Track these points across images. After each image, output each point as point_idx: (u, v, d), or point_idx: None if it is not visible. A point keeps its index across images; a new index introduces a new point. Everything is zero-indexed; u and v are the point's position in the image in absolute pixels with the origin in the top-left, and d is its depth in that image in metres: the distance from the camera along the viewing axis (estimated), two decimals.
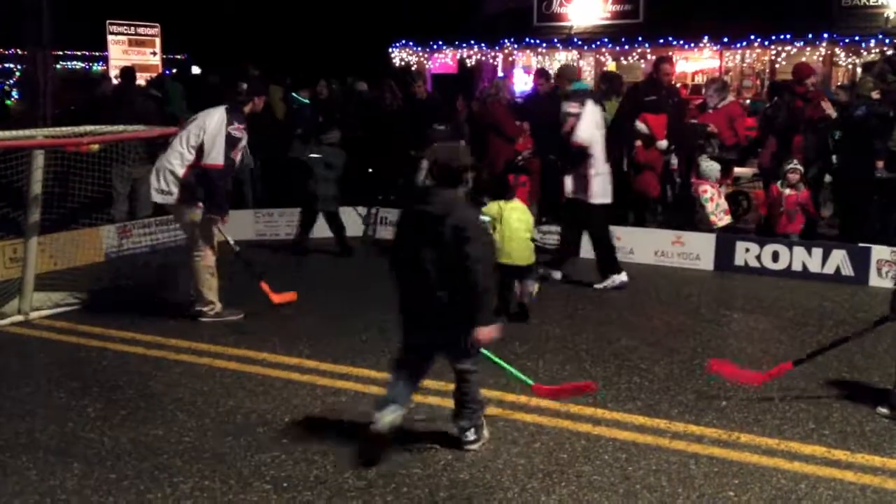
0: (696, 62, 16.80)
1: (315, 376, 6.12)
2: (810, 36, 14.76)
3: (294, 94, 12.82)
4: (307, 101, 12.90)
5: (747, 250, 9.31)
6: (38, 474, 4.70)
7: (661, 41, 15.82)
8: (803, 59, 14.37)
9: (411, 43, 18.49)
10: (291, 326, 7.34)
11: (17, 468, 4.76)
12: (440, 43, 18.12)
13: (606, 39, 16.46)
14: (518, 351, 6.78)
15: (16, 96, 21.41)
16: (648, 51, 16.03)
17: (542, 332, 7.28)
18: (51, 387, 5.93)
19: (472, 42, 17.84)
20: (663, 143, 10.10)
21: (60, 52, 23.35)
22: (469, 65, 18.31)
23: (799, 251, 9.15)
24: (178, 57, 23.03)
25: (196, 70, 23.45)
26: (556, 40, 17.07)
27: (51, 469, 4.75)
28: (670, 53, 14.72)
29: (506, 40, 17.36)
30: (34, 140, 7.65)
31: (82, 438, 5.15)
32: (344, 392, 5.90)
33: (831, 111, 10.31)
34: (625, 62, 16.81)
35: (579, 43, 16.86)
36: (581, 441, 5.13)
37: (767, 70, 15.83)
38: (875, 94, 10.01)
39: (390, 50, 18.88)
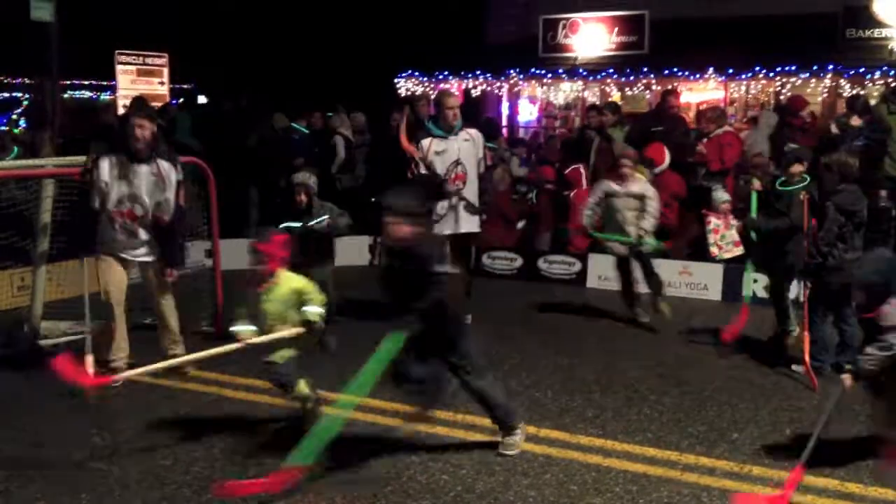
0: (700, 93, 16.85)
1: (326, 407, 6.07)
2: (815, 67, 14.80)
3: (293, 124, 12.90)
4: (306, 129, 12.98)
5: (755, 281, 9.26)
6: None
7: (666, 72, 15.87)
8: (808, 90, 14.42)
9: (417, 73, 18.58)
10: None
11: (27, 498, 4.74)
12: (446, 73, 18.20)
13: (612, 70, 16.51)
14: (526, 382, 6.76)
15: (23, 125, 21.55)
16: (653, 81, 16.08)
17: (550, 363, 7.25)
18: (59, 416, 5.90)
19: (478, 72, 17.92)
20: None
21: (68, 82, 23.48)
22: (474, 95, 18.38)
23: None
24: (185, 86, 23.14)
25: (202, 99, 23.60)
26: (561, 70, 17.12)
27: (59, 499, 4.73)
28: (675, 84, 14.78)
29: (511, 70, 17.44)
30: (44, 169, 7.67)
31: (91, 468, 5.13)
32: (351, 422, 5.85)
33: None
34: (629, 93, 16.88)
35: (584, 73, 16.91)
36: (591, 473, 5.09)
37: (772, 101, 15.87)
38: (855, 121, 10.13)
39: (396, 80, 18.97)
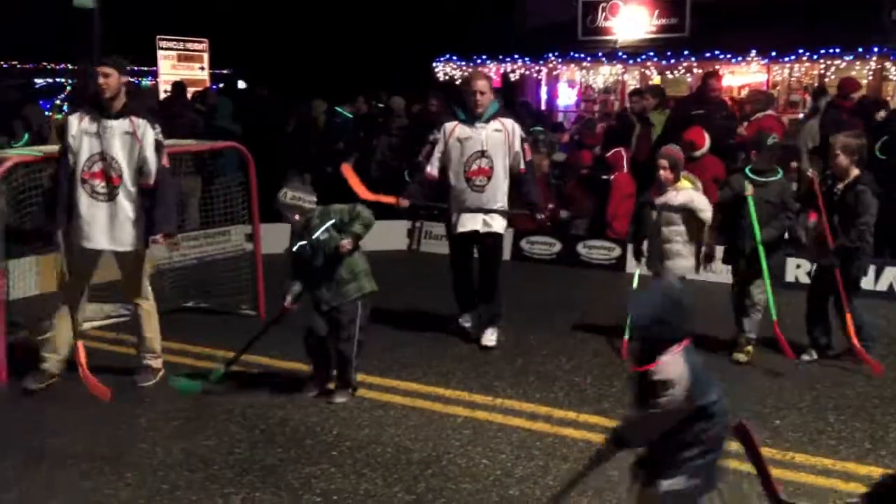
0: (742, 76, 16.62)
1: (362, 389, 6.12)
2: (860, 50, 14.54)
3: (338, 108, 12.93)
4: (351, 115, 13.01)
5: (798, 266, 9.16)
6: (93, 484, 4.76)
7: (707, 55, 15.67)
8: (853, 73, 14.16)
9: (455, 57, 18.54)
10: None
11: (72, 478, 4.83)
12: (484, 57, 18.14)
13: (652, 53, 16.36)
14: (565, 367, 6.75)
15: (66, 111, 21.86)
16: (695, 64, 15.89)
17: (589, 348, 7.22)
18: (103, 397, 5.99)
19: (516, 56, 17.84)
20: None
21: None
22: (512, 79, 18.30)
23: None
24: (225, 72, 23.32)
25: (242, 84, 23.75)
26: (600, 54, 16.98)
27: (105, 479, 4.81)
28: (716, 67, 14.58)
29: (550, 54, 17.34)
30: None
31: (135, 449, 5.22)
32: (391, 406, 5.90)
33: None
34: (670, 76, 16.70)
35: (624, 57, 16.77)
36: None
37: (816, 84, 15.62)
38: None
39: (434, 65, 18.94)
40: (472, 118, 7.01)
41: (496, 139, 6.99)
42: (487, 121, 7.00)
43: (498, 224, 7.16)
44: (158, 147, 5.97)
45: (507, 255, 10.50)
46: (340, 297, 5.83)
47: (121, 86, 5.87)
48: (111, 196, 5.92)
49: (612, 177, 10.62)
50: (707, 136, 9.96)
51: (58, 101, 24.49)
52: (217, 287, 8.65)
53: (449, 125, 7.11)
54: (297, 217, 5.85)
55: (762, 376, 6.51)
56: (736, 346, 6.87)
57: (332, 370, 6.04)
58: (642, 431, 3.53)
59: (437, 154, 7.12)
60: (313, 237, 5.80)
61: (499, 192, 7.06)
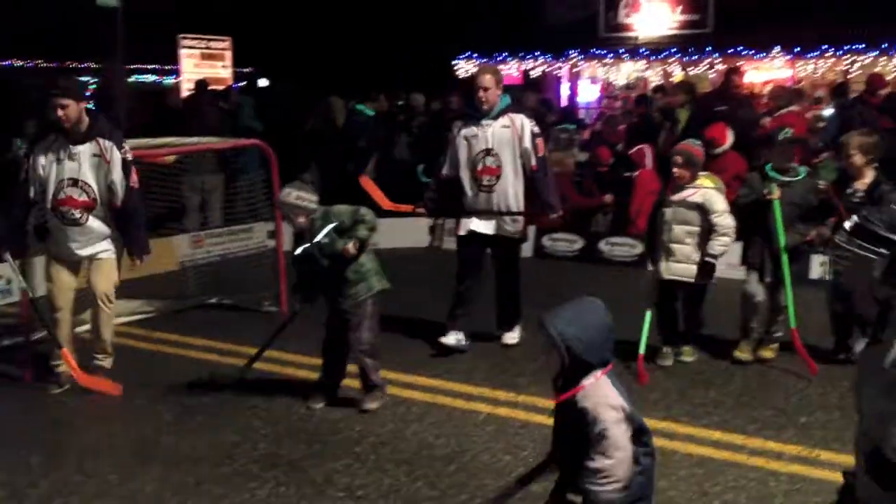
0: (766, 72, 16.53)
1: None
2: (885, 45, 14.42)
3: (359, 106, 12.94)
4: (372, 112, 13.01)
5: (822, 264, 9.08)
6: (119, 478, 4.81)
7: (731, 51, 15.60)
8: (877, 69, 14.04)
9: (475, 55, 18.55)
10: None
11: (99, 471, 4.88)
12: (504, 54, 18.15)
13: (674, 49, 16.30)
14: None
15: (90, 108, 22.01)
16: (718, 60, 15.82)
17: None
18: (129, 392, 6.04)
19: (537, 53, 17.83)
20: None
21: (133, 66, 23.88)
22: (533, 76, 18.28)
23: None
24: (246, 70, 23.40)
25: (263, 82, 23.84)
26: (622, 51, 16.96)
27: (131, 472, 4.86)
28: (740, 63, 14.50)
29: (571, 51, 17.32)
30: None
31: (161, 443, 5.26)
32: (413, 402, 5.91)
33: None
34: (693, 72, 16.63)
35: (646, 53, 16.73)
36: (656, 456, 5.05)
37: (839, 81, 15.51)
38: None
39: (454, 62, 18.95)
40: (479, 115, 6.76)
41: (503, 136, 6.69)
42: (496, 117, 6.71)
43: (512, 227, 6.88)
44: (126, 167, 5.93)
45: (528, 251, 10.50)
46: (349, 298, 5.66)
47: (80, 112, 5.80)
48: (83, 220, 5.91)
49: (636, 174, 10.57)
50: (730, 133, 9.89)
51: None
52: (240, 284, 8.70)
53: (458, 123, 6.92)
54: (300, 219, 5.64)
55: (787, 375, 6.46)
56: (760, 344, 6.77)
57: (343, 370, 5.90)
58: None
59: (448, 153, 6.93)
60: (315, 240, 5.63)
61: (510, 191, 6.75)
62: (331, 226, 5.60)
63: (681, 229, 6.45)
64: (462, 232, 6.97)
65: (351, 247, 5.55)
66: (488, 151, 6.70)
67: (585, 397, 3.11)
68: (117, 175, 5.88)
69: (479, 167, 6.74)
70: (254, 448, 5.17)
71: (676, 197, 6.48)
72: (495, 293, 7.15)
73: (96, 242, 6.00)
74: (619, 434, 3.06)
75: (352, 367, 5.88)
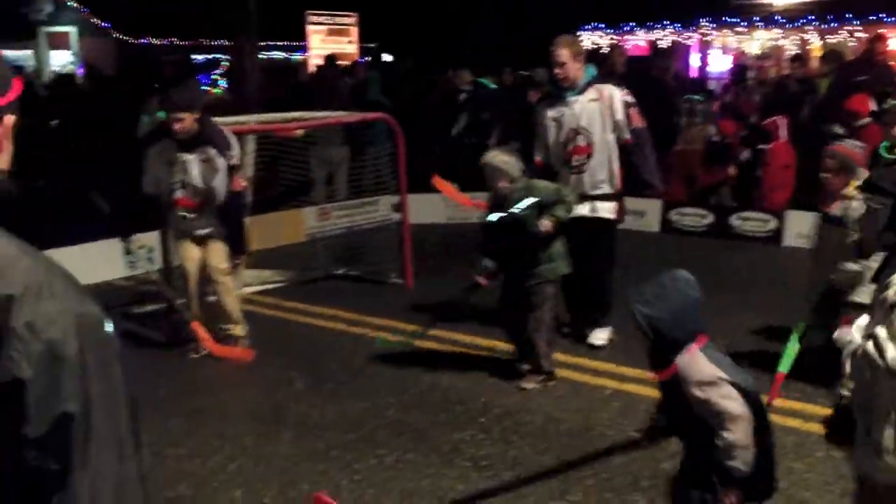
0: None
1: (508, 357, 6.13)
2: None
3: (482, 80, 12.91)
4: (495, 86, 12.97)
5: None
6: (254, 441, 4.98)
7: (872, 17, 14.82)
8: None
9: (602, 26, 18.22)
10: (488, 309, 7.39)
11: (235, 434, 5.07)
12: (632, 24, 17.77)
13: (812, 17, 15.59)
14: (718, 343, 6.54)
15: (223, 85, 22.73)
16: (858, 28, 15.05)
17: (743, 324, 6.97)
18: (262, 359, 6.23)
19: (666, 23, 17.37)
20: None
21: (263, 43, 24.48)
22: (662, 46, 17.83)
23: None
24: (371, 45, 23.65)
25: (387, 57, 24.03)
26: (756, 19, 16.33)
27: (265, 436, 5.03)
28: (883, 31, 13.73)
29: (701, 20, 16.79)
30: (247, 125, 8.07)
31: (292, 409, 5.42)
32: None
33: None
34: (831, 41, 15.87)
35: (782, 21, 16.06)
36: (790, 437, 4.89)
37: None
38: None
39: (580, 34, 18.67)
40: (562, 93, 6.22)
41: (592, 110, 6.11)
42: (581, 91, 6.13)
43: (606, 208, 6.24)
44: (229, 172, 6.24)
45: (655, 226, 10.31)
46: (534, 277, 5.51)
47: (193, 121, 6.09)
48: (195, 219, 6.27)
49: (770, 146, 10.18)
50: (872, 103, 9.39)
51: (214, 77, 25.51)
52: (365, 255, 8.85)
53: (542, 105, 6.47)
54: (502, 183, 5.48)
55: None
56: None
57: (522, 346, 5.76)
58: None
59: (538, 139, 6.39)
60: (513, 210, 5.44)
61: (602, 171, 6.17)
62: (533, 200, 5.45)
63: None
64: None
65: (549, 225, 5.44)
66: (577, 131, 6.14)
67: (684, 379, 3.08)
68: (219, 182, 6.17)
69: (569, 147, 6.19)
70: (381, 416, 5.27)
71: (835, 212, 5.39)
72: (579, 285, 6.25)
73: (201, 227, 6.33)
74: (728, 405, 3.00)
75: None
